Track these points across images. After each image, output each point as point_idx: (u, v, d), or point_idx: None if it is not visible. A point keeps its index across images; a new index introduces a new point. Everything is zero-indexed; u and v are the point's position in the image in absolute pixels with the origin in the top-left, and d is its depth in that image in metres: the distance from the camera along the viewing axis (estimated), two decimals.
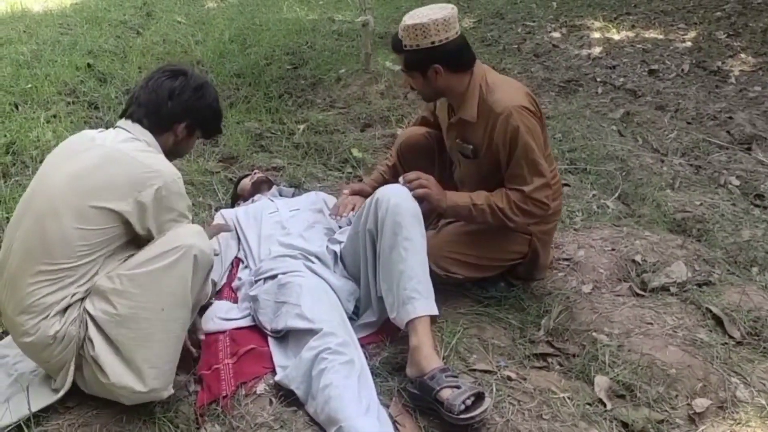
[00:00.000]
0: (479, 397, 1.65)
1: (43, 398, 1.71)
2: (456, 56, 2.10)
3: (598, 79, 4.86)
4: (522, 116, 2.02)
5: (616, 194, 3.10)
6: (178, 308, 1.66)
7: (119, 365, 1.63)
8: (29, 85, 4.13)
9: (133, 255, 1.70)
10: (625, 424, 1.74)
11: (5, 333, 1.99)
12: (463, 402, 1.61)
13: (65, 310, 1.64)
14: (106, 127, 3.36)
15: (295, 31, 6.23)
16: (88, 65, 4.70)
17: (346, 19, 6.66)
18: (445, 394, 1.66)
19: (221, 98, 4.40)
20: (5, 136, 3.37)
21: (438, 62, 2.08)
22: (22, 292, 1.61)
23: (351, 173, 3.47)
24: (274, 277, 2.19)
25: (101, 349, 1.63)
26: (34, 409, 1.67)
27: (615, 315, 2.16)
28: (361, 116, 4.27)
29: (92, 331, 1.64)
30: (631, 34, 5.79)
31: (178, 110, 1.81)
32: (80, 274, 1.64)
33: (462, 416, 1.60)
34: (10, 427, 1.64)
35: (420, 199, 2.02)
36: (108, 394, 1.69)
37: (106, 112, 3.97)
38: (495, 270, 2.30)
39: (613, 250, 2.53)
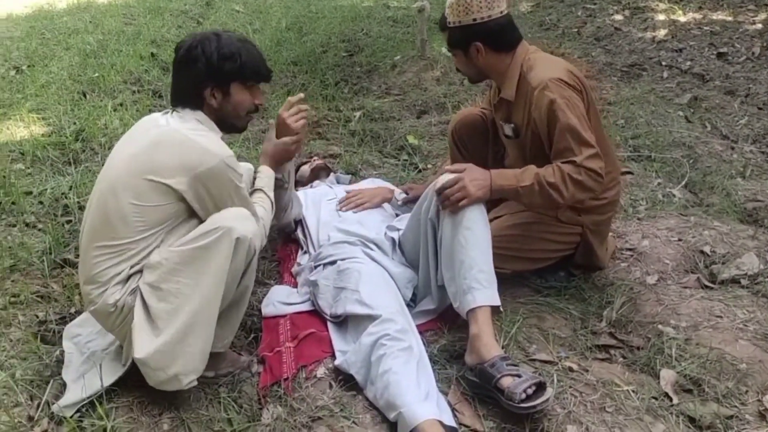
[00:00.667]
0: (541, 387, 1.62)
1: (114, 373, 1.78)
2: (498, 35, 2.07)
3: (664, 63, 4.70)
4: (558, 88, 1.95)
5: (683, 182, 2.99)
6: (213, 288, 1.64)
7: (150, 341, 1.63)
8: (96, 74, 4.28)
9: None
10: (692, 419, 1.68)
11: (77, 313, 2.08)
12: (524, 391, 1.58)
13: (126, 280, 1.70)
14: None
15: (350, 18, 6.25)
16: (152, 54, 4.84)
17: (401, 5, 6.64)
18: (506, 382, 1.64)
19: (279, 86, 4.49)
20: (74, 123, 3.50)
21: (479, 40, 2.06)
22: (89, 264, 1.70)
23: (407, 160, 3.46)
24: (333, 263, 2.21)
25: (139, 321, 1.66)
26: (105, 385, 1.73)
27: (682, 307, 2.09)
28: (417, 103, 4.26)
29: (137, 302, 1.68)
30: (698, 15, 5.57)
31: (192, 80, 1.77)
32: (139, 249, 1.69)
33: (523, 405, 1.57)
34: (84, 403, 1.71)
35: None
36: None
37: (169, 100, 4.07)
38: (544, 262, 2.25)
39: (679, 240, 2.45)
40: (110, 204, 1.68)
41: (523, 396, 1.58)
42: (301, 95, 2.26)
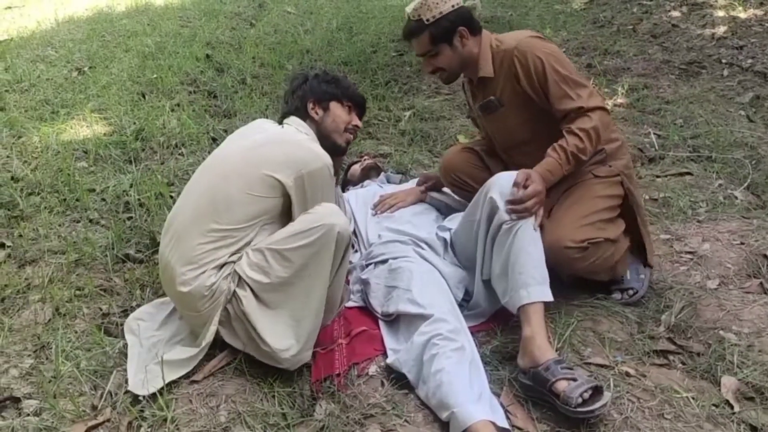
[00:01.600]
0: (597, 391, 1.59)
1: (179, 363, 1.84)
2: (472, 17, 2.20)
3: (724, 61, 4.54)
4: (534, 42, 2.10)
5: (745, 184, 2.89)
6: (319, 282, 1.81)
7: (271, 329, 1.79)
8: (154, 76, 4.40)
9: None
10: (754, 428, 1.63)
11: (138, 306, 2.15)
12: (581, 395, 1.56)
13: (222, 266, 1.82)
14: (225, 115, 3.56)
15: (400, 18, 6.25)
16: (207, 56, 4.94)
17: None
18: (561, 386, 1.62)
19: None
20: (134, 123, 3.61)
21: (462, 24, 2.15)
22: (189, 246, 1.81)
23: None
24: (384, 261, 2.23)
25: (254, 312, 1.80)
26: (168, 379, 1.79)
27: (744, 313, 2.03)
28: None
29: (246, 294, 1.80)
30: (759, 12, 5.35)
31: (299, 95, 2.12)
32: (239, 237, 1.83)
33: (580, 409, 1.55)
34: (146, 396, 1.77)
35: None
36: (256, 349, 1.84)
37: (224, 100, 4.16)
38: (621, 221, 2.14)
39: (741, 243, 2.37)
40: (220, 191, 1.83)
41: (580, 400, 1.56)
42: None
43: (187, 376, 1.83)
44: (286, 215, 1.90)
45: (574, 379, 1.62)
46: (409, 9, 2.18)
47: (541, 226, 1.98)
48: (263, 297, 1.80)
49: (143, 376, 1.80)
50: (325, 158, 1.89)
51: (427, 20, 2.14)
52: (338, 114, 2.14)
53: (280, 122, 2.13)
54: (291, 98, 2.14)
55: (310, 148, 1.91)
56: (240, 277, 1.81)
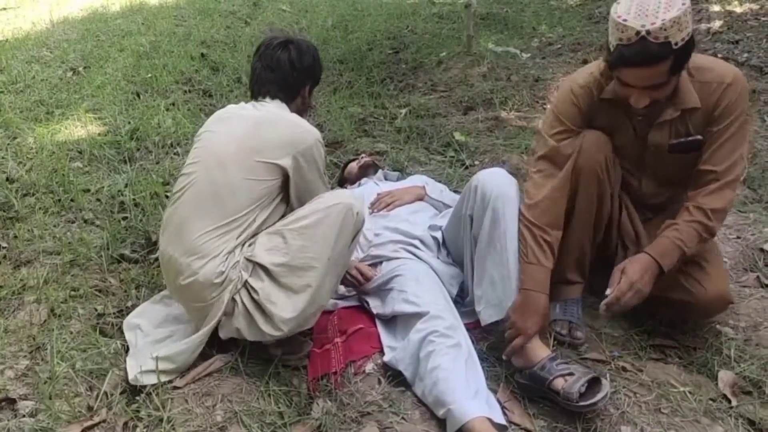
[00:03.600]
0: (595, 382, 1.60)
1: (176, 357, 1.83)
2: None
3: (720, 55, 4.53)
4: (745, 84, 1.73)
5: (741, 178, 2.88)
6: (340, 258, 1.81)
7: (289, 305, 1.76)
8: (149, 75, 4.39)
9: (284, 211, 1.92)
10: (751, 422, 1.64)
11: (134, 306, 2.14)
12: (578, 390, 1.57)
13: (228, 253, 1.79)
14: None
15: (395, 16, 6.25)
16: (202, 55, 4.93)
17: (447, 1, 6.60)
18: (559, 383, 1.62)
19: (326, 84, 4.53)
20: (129, 122, 3.60)
21: (694, 46, 1.69)
22: (193, 237, 1.78)
23: (453, 157, 3.44)
24: (379, 263, 2.22)
25: (273, 293, 1.76)
26: (164, 378, 1.79)
27: (741, 307, 2.03)
28: (463, 99, 4.23)
29: (261, 277, 1.77)
30: (754, 6, 5.36)
31: (302, 77, 2.03)
32: (241, 222, 1.81)
33: (582, 403, 1.56)
34: (143, 392, 1.77)
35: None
36: (254, 335, 1.81)
37: (219, 99, 4.15)
38: None
39: (738, 237, 2.37)
40: (219, 179, 1.81)
41: (579, 395, 1.56)
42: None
43: (181, 375, 1.83)
44: (284, 192, 1.90)
45: (571, 374, 1.62)
46: (644, 24, 1.57)
47: (686, 274, 1.84)
48: (283, 281, 1.76)
49: (140, 369, 1.80)
50: (315, 132, 1.89)
51: (676, 44, 1.58)
52: (313, 98, 2.15)
53: (257, 94, 2.01)
54: (290, 74, 1.99)
55: (300, 125, 1.90)
56: (254, 265, 1.78)
